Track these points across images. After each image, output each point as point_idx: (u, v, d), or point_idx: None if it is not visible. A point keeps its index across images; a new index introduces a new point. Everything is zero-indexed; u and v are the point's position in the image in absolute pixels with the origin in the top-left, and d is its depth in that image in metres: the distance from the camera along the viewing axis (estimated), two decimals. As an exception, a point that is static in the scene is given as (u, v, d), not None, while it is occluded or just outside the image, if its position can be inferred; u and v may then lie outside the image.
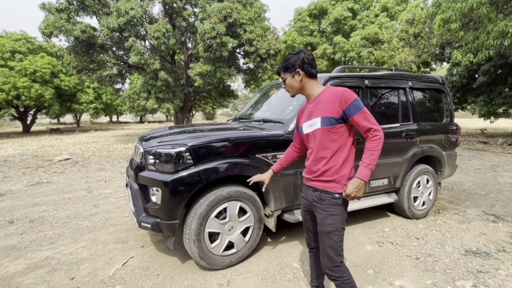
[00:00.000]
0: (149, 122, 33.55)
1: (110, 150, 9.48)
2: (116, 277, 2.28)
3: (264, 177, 1.94)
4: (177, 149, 2.15)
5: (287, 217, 2.59)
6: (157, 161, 2.20)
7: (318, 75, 2.93)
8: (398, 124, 3.10)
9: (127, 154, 8.56)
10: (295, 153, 1.87)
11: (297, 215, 2.61)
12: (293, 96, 1.65)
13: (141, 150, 2.41)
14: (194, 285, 2.17)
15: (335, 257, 1.55)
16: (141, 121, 34.66)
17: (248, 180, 2.02)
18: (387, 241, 2.84)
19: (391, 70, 3.26)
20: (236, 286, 2.16)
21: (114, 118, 36.67)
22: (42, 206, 3.95)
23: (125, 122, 33.26)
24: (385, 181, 3.08)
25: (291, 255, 2.60)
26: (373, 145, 1.50)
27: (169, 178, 2.10)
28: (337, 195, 1.54)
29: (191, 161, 2.15)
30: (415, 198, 3.36)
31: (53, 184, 5.16)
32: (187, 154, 2.14)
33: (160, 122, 33.29)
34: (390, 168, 3.05)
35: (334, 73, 2.83)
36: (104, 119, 36.62)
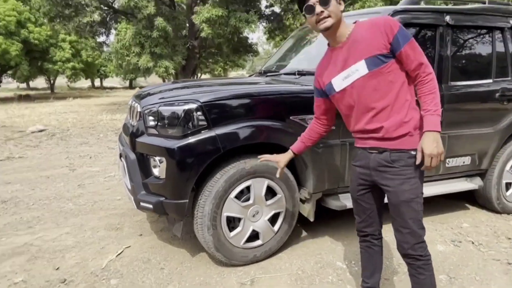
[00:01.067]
0: (141, 87, 34.07)
1: (94, 121, 9.79)
2: (110, 269, 2.39)
3: (279, 158, 1.95)
4: (186, 107, 2.15)
5: (331, 202, 2.59)
6: (159, 123, 2.22)
7: (371, 9, 2.92)
8: (490, 81, 2.94)
9: (115, 127, 8.81)
10: (322, 127, 1.87)
11: (343, 201, 2.60)
12: (327, 29, 1.54)
13: (138, 109, 2.44)
14: (208, 282, 2.24)
15: (419, 230, 1.58)
16: (131, 86, 35.36)
17: (259, 157, 2.03)
18: (466, 240, 2.78)
19: (484, 3, 3.03)
20: (262, 287, 2.20)
21: (97, 83, 37.59)
22: (15, 184, 4.18)
23: (111, 88, 34.09)
24: (466, 160, 2.96)
25: (334, 252, 2.62)
26: (430, 86, 1.51)
27: (175, 144, 2.12)
28: (413, 152, 1.54)
29: (205, 123, 2.15)
30: (508, 185, 3.23)
31: (27, 160, 5.43)
32: (199, 113, 2.14)
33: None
34: (475, 142, 2.92)
35: (401, 5, 2.67)
36: (84, 83, 37.57)
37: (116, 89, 31.65)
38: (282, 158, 1.95)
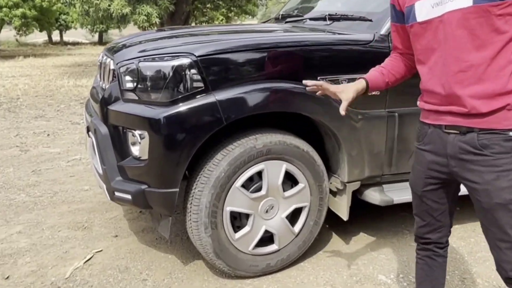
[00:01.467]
0: (114, 43, 34.01)
1: (52, 88, 9.89)
2: (76, 279, 2.45)
3: (341, 89, 1.78)
4: (176, 62, 2.14)
5: (372, 195, 2.59)
6: (139, 84, 2.22)
7: None
8: None
9: (80, 96, 8.88)
10: (406, 61, 1.80)
11: (389, 194, 2.61)
12: None
13: (111, 67, 2.43)
14: (205, 299, 2.28)
15: None
16: (100, 42, 35.33)
17: (304, 83, 1.78)
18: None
19: None
20: (278, 306, 2.23)
21: (56, 36, 37.69)
22: (-51, 169, 4.27)
23: (74, 44, 34.16)
24: None
25: (375, 262, 2.64)
26: None
27: (161, 114, 2.12)
28: None
29: (201, 85, 2.14)
30: None
31: (-36, 138, 5.53)
32: (193, 71, 2.13)
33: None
34: None
35: None
36: (39, 36, 37.67)
37: (81, 45, 31.66)
38: (348, 88, 1.77)
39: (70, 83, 10.69)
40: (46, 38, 35.97)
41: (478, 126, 1.45)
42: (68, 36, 40.78)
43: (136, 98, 2.23)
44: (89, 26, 35.63)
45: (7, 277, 2.46)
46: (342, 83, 2.32)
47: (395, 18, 1.72)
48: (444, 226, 1.73)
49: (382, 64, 1.87)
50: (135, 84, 2.23)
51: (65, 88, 9.85)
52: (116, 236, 2.95)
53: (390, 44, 2.38)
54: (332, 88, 1.77)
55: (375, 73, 1.84)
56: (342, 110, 1.73)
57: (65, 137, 5.58)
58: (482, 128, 1.44)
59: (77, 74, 12.79)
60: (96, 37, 38.65)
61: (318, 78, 2.29)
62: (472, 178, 1.48)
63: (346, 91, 1.76)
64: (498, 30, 1.40)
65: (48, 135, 5.69)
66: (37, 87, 9.91)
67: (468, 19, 1.41)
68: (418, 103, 1.66)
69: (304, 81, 1.79)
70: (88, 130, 2.67)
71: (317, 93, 1.81)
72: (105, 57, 2.69)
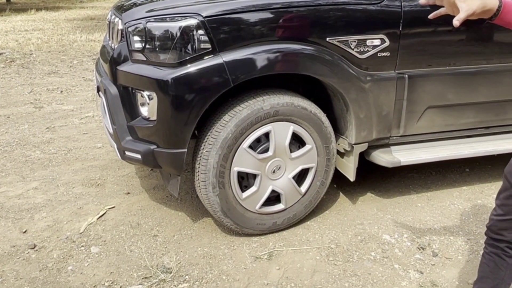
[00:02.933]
0: (126, -4, 33.42)
1: (65, 43, 9.88)
2: (89, 234, 2.57)
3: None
4: (183, 23, 2.14)
5: (379, 157, 2.63)
6: (147, 45, 2.23)
7: None
8: None
9: (93, 51, 8.87)
10: None
11: (397, 155, 2.64)
12: None
13: (120, 27, 2.43)
14: (214, 255, 2.38)
15: None
16: (112, -5, 34.80)
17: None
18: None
19: None
20: (283, 263, 2.32)
21: (67, -11, 37.14)
22: (-34, 126, 4.39)
23: (86, -4, 33.69)
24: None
25: (381, 222, 2.71)
26: None
27: (169, 75, 2.14)
28: None
29: (208, 46, 2.15)
30: None
31: (-21, 93, 5.63)
32: (200, 32, 2.13)
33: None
34: None
35: None
36: (50, -10, 37.23)
37: (93, -2, 31.29)
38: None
39: (82, 37, 10.65)
40: (58, -10, 35.45)
41: None
42: (80, -12, 40.07)
43: (144, 59, 2.24)
44: (100, -22, 35.01)
45: (25, 231, 2.58)
46: (352, 44, 2.32)
47: None
48: None
49: None
50: (143, 44, 2.24)
51: (77, 43, 9.83)
52: (128, 193, 3.04)
53: (402, 3, 2.35)
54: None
55: None
56: (457, 20, 1.35)
57: (78, 94, 5.64)
58: None
59: (90, 28, 12.70)
60: (108, -11, 37.97)
61: (328, 39, 2.28)
62: None
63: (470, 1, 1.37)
64: None
65: (62, 91, 5.76)
66: (50, 42, 9.91)
67: None
68: None
69: None
70: (98, 90, 2.71)
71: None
72: (113, 16, 2.68)
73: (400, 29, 2.37)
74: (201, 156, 2.30)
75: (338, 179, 2.88)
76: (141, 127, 2.31)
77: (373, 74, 2.40)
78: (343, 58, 2.32)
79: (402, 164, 2.59)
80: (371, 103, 2.45)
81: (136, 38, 2.27)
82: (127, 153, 2.36)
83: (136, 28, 2.26)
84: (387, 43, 2.36)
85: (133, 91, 2.32)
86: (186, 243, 2.49)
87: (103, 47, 2.94)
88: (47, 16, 16.75)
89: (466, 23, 1.44)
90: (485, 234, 1.66)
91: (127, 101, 2.37)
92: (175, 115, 2.18)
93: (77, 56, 8.28)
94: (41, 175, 3.31)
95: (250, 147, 2.35)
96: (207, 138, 2.28)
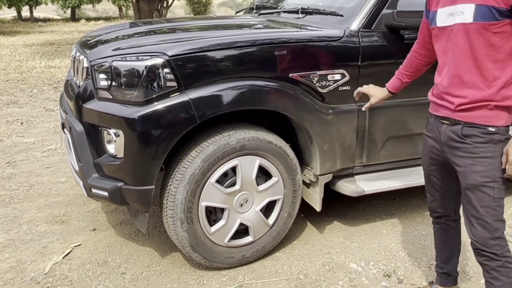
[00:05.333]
0: (88, 19, 33.36)
1: (24, 69, 9.76)
2: (55, 274, 2.54)
3: (373, 92, 2.28)
4: (150, 62, 2.20)
5: (344, 186, 2.73)
6: (114, 83, 2.28)
7: None
8: None
9: (53, 78, 8.80)
10: (421, 59, 2.09)
11: (361, 184, 2.75)
12: None
13: (85, 64, 2.48)
14: (183, 290, 2.41)
15: (494, 223, 1.74)
16: (73, 18, 34.57)
17: (356, 94, 2.37)
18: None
19: None
20: (253, 295, 2.37)
21: (25, 12, 36.70)
22: None
23: (45, 20, 33.32)
24: None
25: (347, 251, 2.79)
26: None
27: (136, 113, 2.19)
28: (492, 129, 1.69)
29: (174, 83, 2.22)
30: None
31: None
32: (166, 70, 2.20)
33: (107, 19, 32.99)
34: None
35: None
36: (7, 12, 36.68)
37: (53, 22, 30.93)
38: (377, 93, 2.27)
39: (42, 64, 10.53)
40: (15, 14, 34.98)
41: (463, 119, 1.73)
42: (39, 12, 39.71)
43: (111, 97, 2.29)
44: (60, 1, 34.81)
45: (-13, 274, 2.54)
46: (314, 79, 2.44)
47: (427, 14, 1.93)
48: (450, 201, 2.04)
49: (399, 69, 2.19)
50: (109, 82, 2.28)
51: (37, 70, 9.72)
52: (94, 229, 3.03)
53: (360, 40, 2.51)
54: (369, 91, 2.29)
55: (393, 80, 2.22)
56: (365, 108, 2.36)
57: (39, 126, 5.58)
58: (467, 122, 1.72)
59: (49, 53, 12.58)
60: (68, 13, 37.75)
61: (290, 75, 2.40)
62: (457, 161, 1.78)
63: (374, 95, 2.27)
64: (492, 47, 1.64)
65: (22, 123, 5.68)
66: (7, 69, 9.76)
67: (469, 34, 1.65)
68: (428, 94, 1.93)
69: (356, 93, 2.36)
70: (63, 126, 2.73)
71: (357, 94, 2.36)
72: (78, 53, 2.72)
73: (359, 63, 2.53)
74: (169, 192, 2.34)
75: (305, 209, 2.96)
76: (108, 164, 2.34)
77: (335, 107, 2.53)
78: (305, 93, 2.44)
79: (366, 193, 2.71)
80: (334, 135, 2.57)
81: (102, 76, 2.31)
82: (93, 190, 2.38)
83: (102, 66, 2.31)
84: (347, 77, 2.50)
85: (100, 128, 2.35)
86: (155, 279, 2.50)
87: (67, 82, 2.97)
88: (3, 41, 16.47)
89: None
90: (430, 216, 2.16)
91: (93, 139, 2.39)
92: (142, 152, 2.22)
93: (37, 85, 8.18)
94: (2, 213, 3.25)
95: (218, 181, 2.40)
96: (175, 174, 2.33)
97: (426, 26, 1.94)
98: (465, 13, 1.63)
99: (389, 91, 2.23)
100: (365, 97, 2.34)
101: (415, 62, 2.09)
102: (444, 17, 1.74)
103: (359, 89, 2.33)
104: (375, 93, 2.26)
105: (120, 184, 2.30)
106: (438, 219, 2.12)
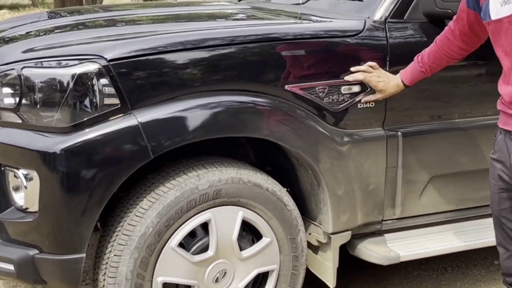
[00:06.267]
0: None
1: None
2: None
3: (383, 85, 2.37)
4: (78, 69, 2.16)
5: (368, 250, 2.67)
6: (25, 100, 2.22)
7: None
8: None
9: None
10: (454, 51, 2.22)
11: (394, 247, 2.69)
12: None
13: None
14: None
15: None
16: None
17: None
18: None
19: None
20: None
21: None
22: None
23: None
24: None
25: None
26: None
27: (58, 144, 2.13)
28: None
29: (116, 100, 2.17)
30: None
31: None
32: (103, 81, 2.16)
33: (13, 8, 33.11)
34: None
35: None
36: None
37: None
38: (388, 86, 2.38)
39: None
40: None
41: None
42: None
43: (20, 121, 2.23)
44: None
45: None
46: (321, 92, 2.42)
47: (470, 3, 2.00)
48: None
49: (420, 55, 2.29)
50: (17, 100, 2.22)
51: None
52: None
53: (387, 34, 2.49)
54: (370, 78, 2.37)
55: (412, 70, 2.35)
56: (365, 101, 2.47)
57: None
58: None
59: None
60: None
61: (287, 87, 2.37)
62: None
63: (383, 88, 2.38)
64: None
65: None
66: None
67: None
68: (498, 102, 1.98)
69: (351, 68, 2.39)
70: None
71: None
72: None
73: (387, 68, 2.50)
74: (107, 263, 2.27)
75: (312, 281, 2.91)
76: (15, 222, 2.26)
77: (352, 133, 2.48)
78: (309, 113, 2.40)
79: (402, 260, 2.64)
80: (353, 174, 2.51)
81: (7, 90, 2.25)
82: (-6, 261, 2.30)
83: (7, 76, 2.25)
84: (369, 89, 2.47)
85: (2, 169, 2.29)
86: None
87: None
88: None
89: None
90: (503, 283, 2.14)
91: (-6, 184, 2.33)
92: (67, 204, 2.15)
93: None
94: None
95: (181, 245, 2.33)
96: (117, 236, 2.26)
97: (467, 16, 2.00)
98: None
99: (404, 84, 2.32)
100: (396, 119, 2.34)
101: (447, 53, 2.17)
102: (497, 6, 1.76)
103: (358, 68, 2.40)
104: (386, 86, 2.31)
105: (33, 252, 2.21)
106: None
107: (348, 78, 2.35)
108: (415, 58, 2.34)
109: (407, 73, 2.32)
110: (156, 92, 2.23)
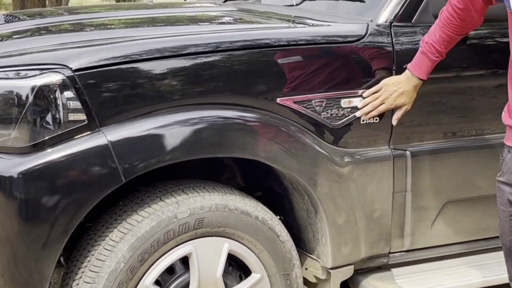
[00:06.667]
0: None
1: None
2: None
3: (402, 96, 2.41)
4: (39, 80, 2.16)
5: (373, 287, 2.68)
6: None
7: None
8: None
9: None
10: (463, 26, 2.31)
11: (403, 284, 2.70)
12: None
13: None
14: None
15: None
16: None
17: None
18: None
19: None
20: None
21: None
22: None
23: None
24: None
25: None
26: None
27: (15, 167, 2.13)
28: None
29: (82, 116, 2.18)
30: None
31: None
32: (68, 94, 2.16)
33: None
34: None
35: None
36: None
37: None
38: (409, 92, 2.42)
39: None
40: None
41: None
42: None
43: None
44: None
45: None
46: (318, 106, 2.44)
47: None
48: None
49: (427, 37, 2.34)
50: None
51: None
52: None
53: (393, 40, 2.53)
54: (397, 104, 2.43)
55: (431, 63, 2.37)
56: (394, 121, 2.49)
57: None
58: None
59: None
60: None
61: (279, 100, 2.39)
62: None
63: (409, 103, 2.43)
64: None
65: None
66: None
67: None
68: (503, 114, 1.99)
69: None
70: None
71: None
72: None
73: (394, 78, 2.54)
74: (72, 303, 2.28)
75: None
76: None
77: (354, 153, 2.52)
78: (305, 129, 2.42)
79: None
80: (355, 200, 2.53)
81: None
82: None
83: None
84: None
85: None
86: None
87: None
88: None
89: None
90: None
91: None
92: (25, 236, 2.15)
93: None
94: None
95: (158, 283, 2.34)
96: (83, 272, 2.26)
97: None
98: None
99: (421, 80, 2.37)
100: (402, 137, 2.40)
101: (456, 30, 2.24)
102: None
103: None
104: (406, 97, 2.38)
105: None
106: None
107: (367, 115, 2.44)
108: (423, 48, 2.36)
109: (422, 66, 2.37)
110: (129, 106, 2.24)
